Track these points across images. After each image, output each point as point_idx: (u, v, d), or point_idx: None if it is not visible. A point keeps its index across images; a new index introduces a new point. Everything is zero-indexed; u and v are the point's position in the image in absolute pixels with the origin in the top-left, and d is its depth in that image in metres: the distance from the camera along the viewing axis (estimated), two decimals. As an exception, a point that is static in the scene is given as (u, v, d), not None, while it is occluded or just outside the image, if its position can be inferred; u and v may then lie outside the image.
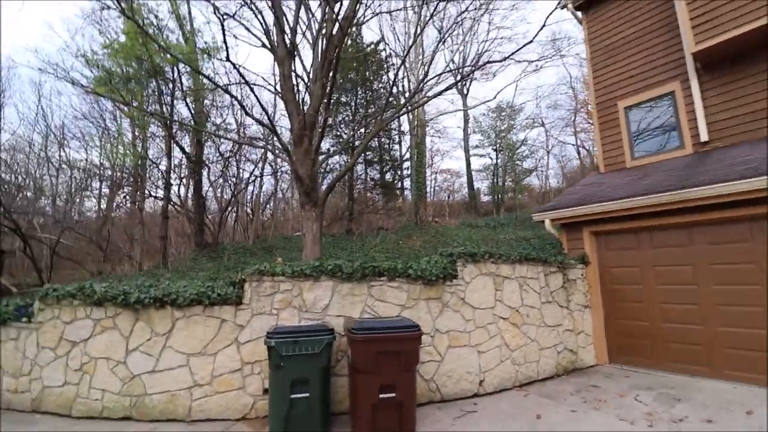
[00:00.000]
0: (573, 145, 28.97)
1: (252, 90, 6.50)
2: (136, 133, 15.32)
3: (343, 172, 9.17)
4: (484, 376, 4.76)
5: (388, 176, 18.14)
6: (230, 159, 14.59)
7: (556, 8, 7.35)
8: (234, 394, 4.05)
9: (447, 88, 9.98)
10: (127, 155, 14.45)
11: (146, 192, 14.80)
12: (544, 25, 7.17)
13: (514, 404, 4.41)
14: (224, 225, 15.58)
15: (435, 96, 10.16)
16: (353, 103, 15.94)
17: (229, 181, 15.49)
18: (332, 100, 6.87)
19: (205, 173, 14.25)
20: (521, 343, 5.18)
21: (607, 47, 8.15)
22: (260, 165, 15.83)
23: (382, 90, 15.78)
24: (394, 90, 14.74)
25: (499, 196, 25.14)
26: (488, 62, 7.21)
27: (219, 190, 16.50)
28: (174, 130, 13.18)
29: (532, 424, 3.83)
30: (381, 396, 3.36)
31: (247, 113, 6.11)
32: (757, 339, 4.74)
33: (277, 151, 8.70)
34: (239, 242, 14.88)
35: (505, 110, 29.52)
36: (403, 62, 7.93)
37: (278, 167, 16.54)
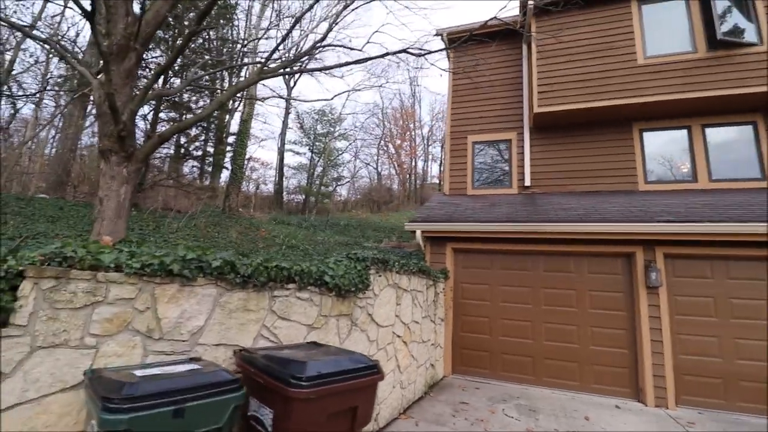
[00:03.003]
0: (374, 167, 32.40)
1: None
2: None
3: (194, 120, 6.49)
4: (379, 409, 3.98)
5: (208, 149, 14.88)
6: None
7: (452, 46, 7.49)
8: None
9: (303, 70, 8.85)
10: None
11: None
12: (426, 52, 6.59)
13: (415, 440, 3.83)
14: None
15: (288, 72, 8.85)
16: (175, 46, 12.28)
17: None
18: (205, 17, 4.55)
19: None
20: (408, 364, 4.70)
21: (466, 84, 9.00)
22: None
23: (217, 43, 12.84)
24: (238, 48, 12.22)
25: (315, 198, 24.92)
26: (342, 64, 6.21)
27: None
28: None
29: (451, 466, 3.33)
30: (321, 481, 2.10)
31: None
32: (570, 351, 5.87)
33: (71, 56, 5.22)
34: None
35: (327, 116, 30.09)
36: (279, 20, 6.43)
37: (23, 86, 10.86)
